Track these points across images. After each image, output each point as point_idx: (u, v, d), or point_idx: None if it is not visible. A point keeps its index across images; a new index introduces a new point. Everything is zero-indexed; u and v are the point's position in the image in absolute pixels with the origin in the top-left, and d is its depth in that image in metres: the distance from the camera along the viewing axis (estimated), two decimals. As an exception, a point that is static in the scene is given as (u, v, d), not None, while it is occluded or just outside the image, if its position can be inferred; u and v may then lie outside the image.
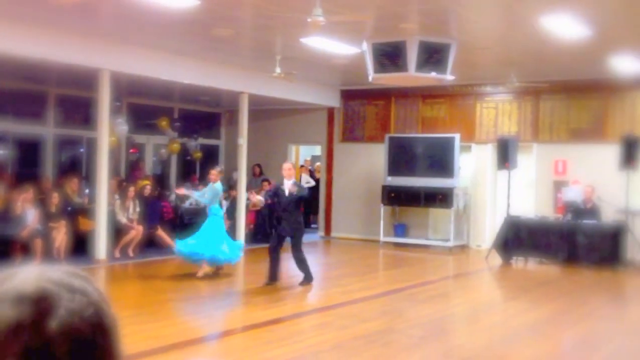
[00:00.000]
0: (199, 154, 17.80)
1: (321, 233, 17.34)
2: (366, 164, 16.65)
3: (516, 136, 14.42)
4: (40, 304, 0.86)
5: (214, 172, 11.22)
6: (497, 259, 13.40)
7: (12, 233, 11.19)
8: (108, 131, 12.27)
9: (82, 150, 16.16)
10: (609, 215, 13.25)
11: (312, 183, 18.72)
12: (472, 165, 15.52)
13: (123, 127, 15.05)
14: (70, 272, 0.93)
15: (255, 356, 6.71)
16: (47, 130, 15.09)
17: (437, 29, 10.34)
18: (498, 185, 15.12)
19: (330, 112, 17.24)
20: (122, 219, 12.82)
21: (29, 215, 11.45)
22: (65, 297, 0.88)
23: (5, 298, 0.87)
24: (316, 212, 18.01)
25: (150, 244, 13.21)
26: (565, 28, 9.71)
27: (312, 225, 18.39)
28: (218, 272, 11.04)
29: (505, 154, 13.53)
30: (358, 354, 6.79)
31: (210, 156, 18.47)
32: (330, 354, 6.79)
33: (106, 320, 0.92)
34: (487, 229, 15.27)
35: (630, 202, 12.87)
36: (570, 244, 12.82)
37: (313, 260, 14.51)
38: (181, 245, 10.80)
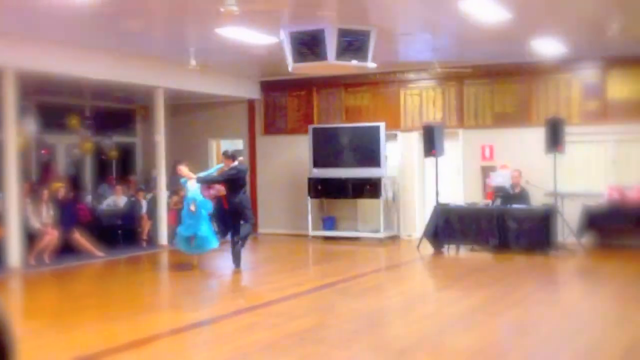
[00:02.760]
0: (114, 153, 17.14)
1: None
2: (290, 156, 16.33)
3: (441, 123, 14.35)
4: None
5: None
6: (428, 249, 13.28)
7: None
8: (15, 133, 11.61)
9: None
10: (538, 199, 13.31)
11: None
12: (399, 153, 15.38)
13: (31, 127, 14.30)
14: None
15: (180, 362, 6.34)
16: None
17: (356, 15, 10.13)
18: (426, 173, 15.04)
19: (251, 104, 16.84)
20: (36, 223, 12.14)
21: None
22: None
23: None
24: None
25: (67, 249, 12.55)
26: (486, 12, 9.66)
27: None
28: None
29: (431, 141, 13.40)
30: (290, 352, 6.50)
31: (127, 155, 17.82)
32: (261, 354, 6.50)
33: None
34: (417, 218, 15.17)
35: (558, 184, 12.91)
36: (500, 229, 12.75)
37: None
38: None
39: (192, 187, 11.34)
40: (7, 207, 11.39)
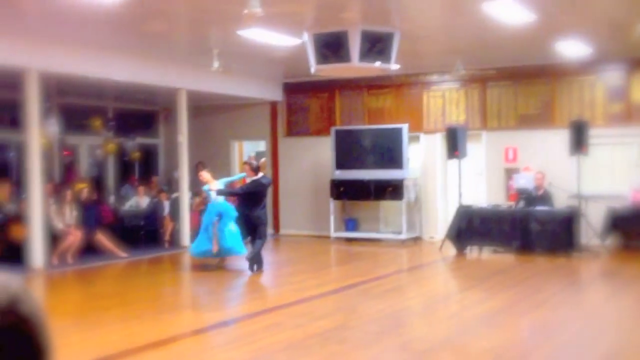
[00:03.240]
0: (137, 154, 17.21)
1: (270, 230, 16.92)
2: (313, 158, 16.30)
3: (464, 124, 14.26)
4: None
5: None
6: (450, 250, 13.18)
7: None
8: (38, 134, 11.66)
9: (11, 154, 15.41)
10: (561, 201, 13.18)
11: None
12: (422, 155, 15.30)
13: (54, 128, 14.38)
14: None
15: (204, 361, 6.33)
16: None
17: (380, 17, 10.11)
18: (449, 174, 14.95)
19: (273, 106, 16.82)
20: (59, 224, 12.20)
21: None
22: None
23: None
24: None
25: (89, 250, 12.61)
26: (510, 13, 9.59)
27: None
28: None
29: (454, 143, 13.31)
30: (312, 353, 6.50)
31: (149, 156, 17.89)
32: (284, 354, 6.49)
33: (22, 306, 0.99)
34: (439, 220, 15.06)
35: (581, 187, 12.76)
36: (523, 231, 12.62)
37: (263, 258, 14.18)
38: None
39: (214, 196, 11.22)
40: (31, 207, 11.44)
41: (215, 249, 10.89)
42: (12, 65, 10.92)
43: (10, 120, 15.61)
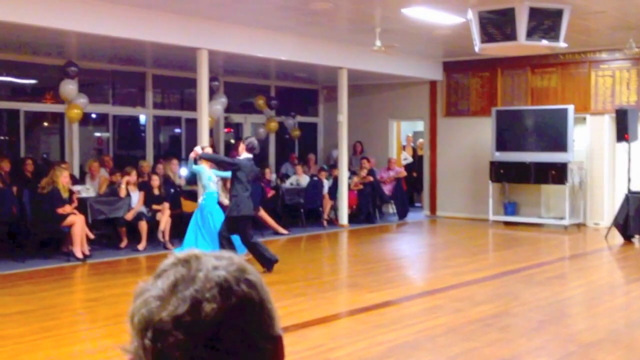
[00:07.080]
0: (297, 132, 17.58)
1: (426, 212, 16.85)
2: (472, 139, 15.98)
3: (636, 105, 13.44)
4: (191, 262, 1.07)
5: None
6: (617, 238, 12.54)
7: (117, 216, 11.30)
8: (207, 111, 12.17)
9: (178, 130, 16.19)
10: None
11: (409, 160, 18.32)
12: (588, 138, 14.60)
13: (219, 106, 14.95)
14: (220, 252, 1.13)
15: (366, 340, 6.41)
16: (147, 112, 15.17)
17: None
18: (617, 158, 14.19)
19: (433, 85, 16.61)
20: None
21: (134, 198, 11.54)
22: (212, 258, 1.08)
23: (167, 263, 1.10)
24: (420, 191, 17.52)
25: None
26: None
27: (417, 204, 17.95)
28: None
29: (624, 125, 12.58)
30: (475, 338, 6.44)
31: (308, 134, 18.24)
32: (445, 338, 6.48)
33: (249, 276, 1.08)
34: (605, 206, 14.35)
35: None
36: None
37: (419, 240, 14.18)
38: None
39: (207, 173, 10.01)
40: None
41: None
42: (186, 45, 11.43)
43: (179, 98, 16.45)
